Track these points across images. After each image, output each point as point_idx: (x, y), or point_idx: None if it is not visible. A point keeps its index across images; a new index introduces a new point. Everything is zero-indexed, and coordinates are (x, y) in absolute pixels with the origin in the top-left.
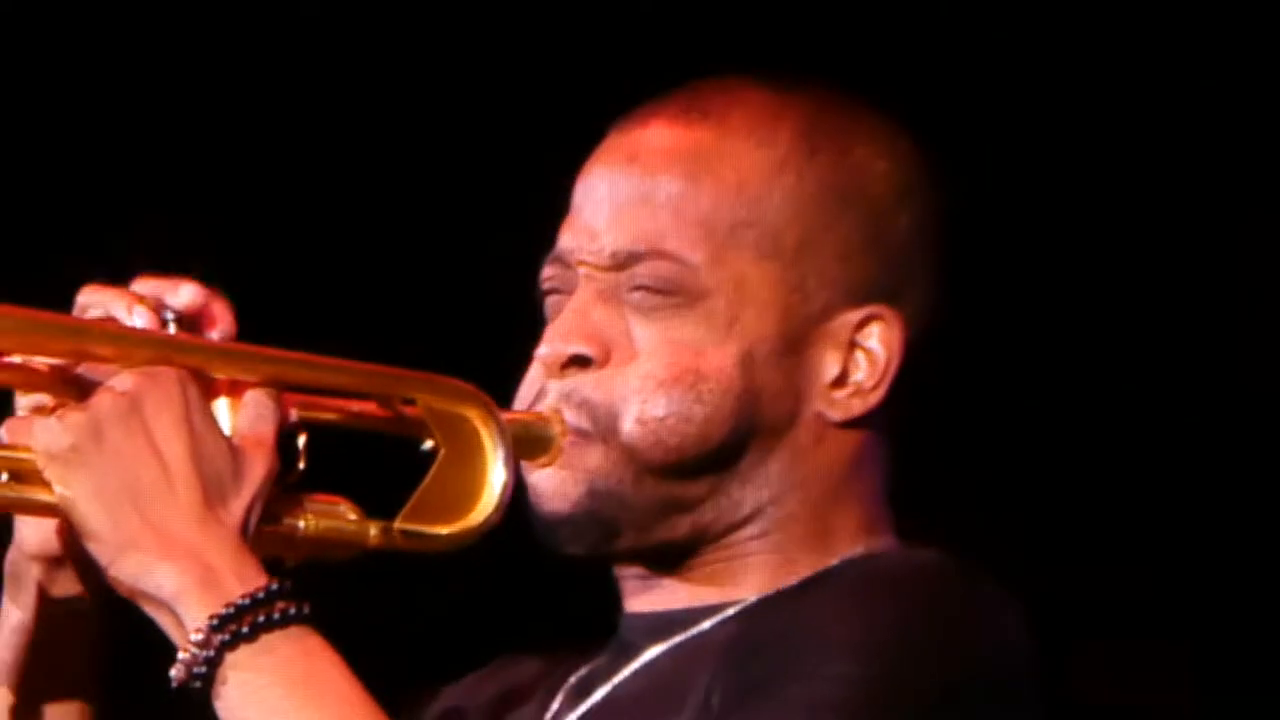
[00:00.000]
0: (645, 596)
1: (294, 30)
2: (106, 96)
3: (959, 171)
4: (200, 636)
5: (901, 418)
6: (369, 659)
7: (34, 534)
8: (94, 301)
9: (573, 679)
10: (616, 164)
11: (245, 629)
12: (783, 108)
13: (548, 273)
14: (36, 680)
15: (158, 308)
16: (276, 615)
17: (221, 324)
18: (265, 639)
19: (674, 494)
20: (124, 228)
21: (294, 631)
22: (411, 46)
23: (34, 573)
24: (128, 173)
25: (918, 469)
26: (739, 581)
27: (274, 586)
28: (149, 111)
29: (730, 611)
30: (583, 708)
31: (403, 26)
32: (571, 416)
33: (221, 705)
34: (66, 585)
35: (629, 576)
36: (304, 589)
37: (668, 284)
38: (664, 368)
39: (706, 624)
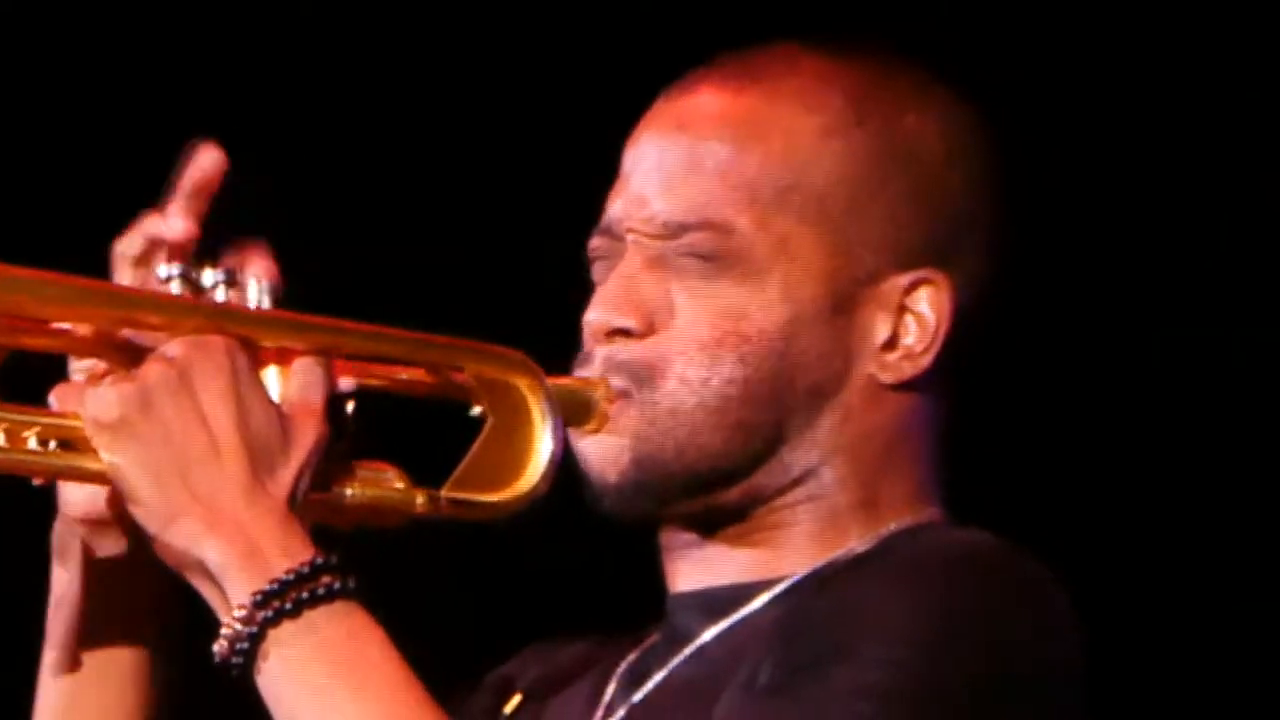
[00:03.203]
0: (692, 572)
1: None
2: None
3: (1015, 137)
4: (244, 612)
5: (953, 383)
6: (414, 635)
7: (77, 497)
8: (129, 243)
9: (624, 665)
10: (665, 131)
11: (289, 605)
12: (833, 73)
13: (596, 242)
14: (89, 647)
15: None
16: (321, 591)
17: (257, 264)
18: (309, 615)
19: (721, 458)
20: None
21: (339, 608)
22: (461, 17)
23: (79, 538)
24: (171, 139)
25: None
26: (787, 552)
27: (319, 561)
28: (195, 75)
29: (779, 589)
30: (638, 695)
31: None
32: (616, 381)
33: (263, 682)
34: (114, 550)
35: (675, 547)
36: (351, 562)
37: (715, 252)
38: (707, 330)
39: (756, 603)
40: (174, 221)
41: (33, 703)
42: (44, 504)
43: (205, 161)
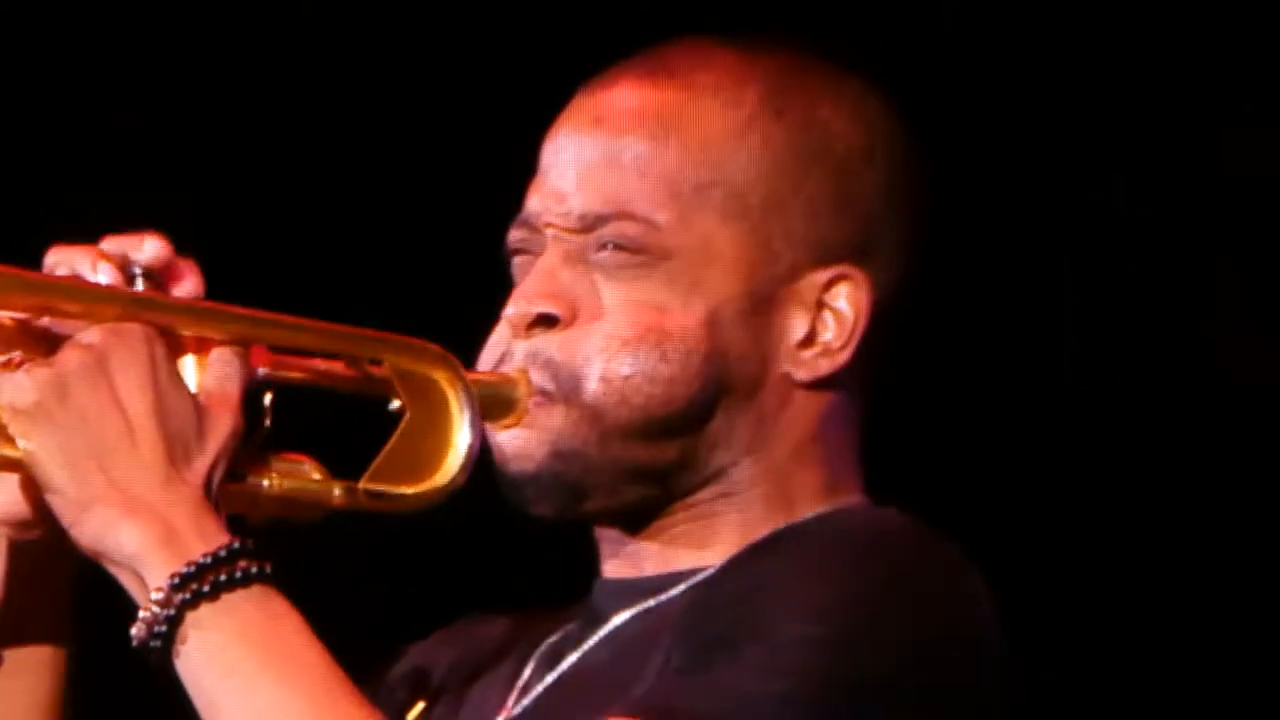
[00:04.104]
0: (619, 562)
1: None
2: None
3: (929, 133)
4: (161, 595)
5: (871, 378)
6: (331, 620)
7: (1, 497)
8: (61, 260)
9: (544, 645)
10: (583, 126)
11: (206, 588)
12: (749, 69)
13: (515, 235)
14: (8, 639)
15: (124, 265)
16: (238, 574)
17: (188, 280)
18: (226, 599)
19: (640, 455)
20: (94, 190)
21: (256, 592)
22: (377, 12)
23: (2, 535)
24: (100, 138)
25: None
26: (708, 545)
27: (236, 545)
28: (124, 74)
29: (697, 579)
30: (553, 675)
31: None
32: (536, 377)
33: (182, 665)
34: (37, 547)
35: (606, 539)
36: (267, 550)
37: (634, 244)
38: (629, 327)
39: (674, 591)
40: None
41: None
42: None
43: (151, 250)
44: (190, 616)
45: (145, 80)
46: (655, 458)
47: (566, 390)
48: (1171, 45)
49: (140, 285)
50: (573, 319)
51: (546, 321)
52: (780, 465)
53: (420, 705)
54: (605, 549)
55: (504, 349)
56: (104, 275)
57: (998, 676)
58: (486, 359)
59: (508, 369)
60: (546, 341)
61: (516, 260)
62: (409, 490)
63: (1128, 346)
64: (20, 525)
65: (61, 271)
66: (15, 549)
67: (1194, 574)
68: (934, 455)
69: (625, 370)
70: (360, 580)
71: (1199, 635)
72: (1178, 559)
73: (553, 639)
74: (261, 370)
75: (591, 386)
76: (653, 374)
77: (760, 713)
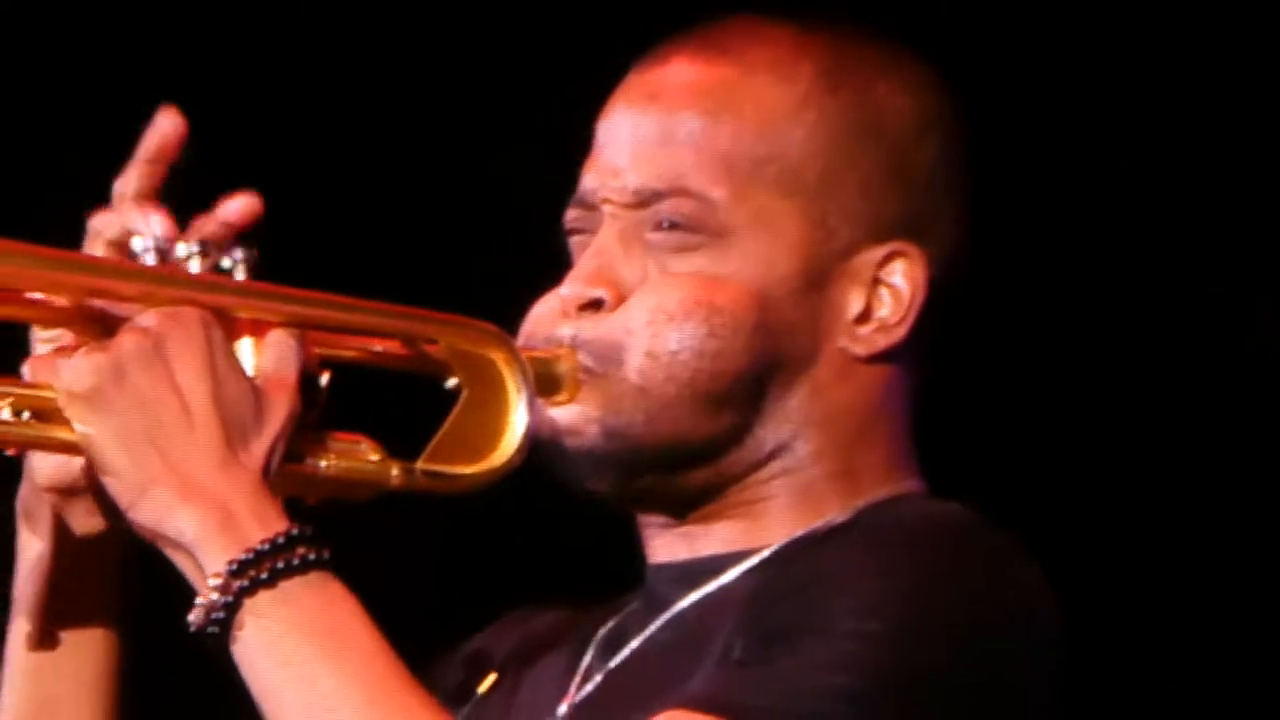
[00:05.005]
0: (670, 546)
1: None
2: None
3: (982, 106)
4: (219, 581)
5: (927, 356)
6: (389, 606)
7: (46, 466)
8: (105, 222)
9: (603, 631)
10: (638, 102)
11: (264, 575)
12: (804, 45)
13: (571, 214)
14: (59, 615)
15: (169, 236)
16: (296, 561)
17: (245, 208)
18: (284, 586)
19: (691, 432)
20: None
21: (314, 578)
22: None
23: (48, 505)
24: (147, 103)
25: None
26: (764, 525)
27: (294, 531)
28: (169, 39)
29: (755, 559)
30: (614, 661)
31: None
32: (583, 355)
33: (239, 651)
34: (84, 518)
35: (653, 525)
36: (325, 534)
37: (689, 221)
38: (675, 302)
39: (732, 573)
40: (154, 221)
41: None
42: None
43: (165, 126)
44: (248, 604)
45: (200, 66)
46: (705, 432)
47: (614, 367)
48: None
49: (196, 266)
50: (620, 301)
51: (595, 305)
52: (844, 443)
53: (492, 677)
54: (654, 534)
55: (553, 326)
56: (156, 226)
57: (1055, 672)
58: (532, 334)
59: (556, 345)
60: (596, 321)
61: (574, 240)
62: (466, 470)
63: (1177, 328)
64: (66, 494)
65: (109, 231)
66: (63, 526)
67: (1252, 555)
68: (983, 439)
69: (672, 345)
70: (415, 566)
71: (1251, 617)
72: (1233, 543)
73: (611, 625)
74: (317, 351)
75: (637, 362)
76: (700, 348)
77: (819, 707)
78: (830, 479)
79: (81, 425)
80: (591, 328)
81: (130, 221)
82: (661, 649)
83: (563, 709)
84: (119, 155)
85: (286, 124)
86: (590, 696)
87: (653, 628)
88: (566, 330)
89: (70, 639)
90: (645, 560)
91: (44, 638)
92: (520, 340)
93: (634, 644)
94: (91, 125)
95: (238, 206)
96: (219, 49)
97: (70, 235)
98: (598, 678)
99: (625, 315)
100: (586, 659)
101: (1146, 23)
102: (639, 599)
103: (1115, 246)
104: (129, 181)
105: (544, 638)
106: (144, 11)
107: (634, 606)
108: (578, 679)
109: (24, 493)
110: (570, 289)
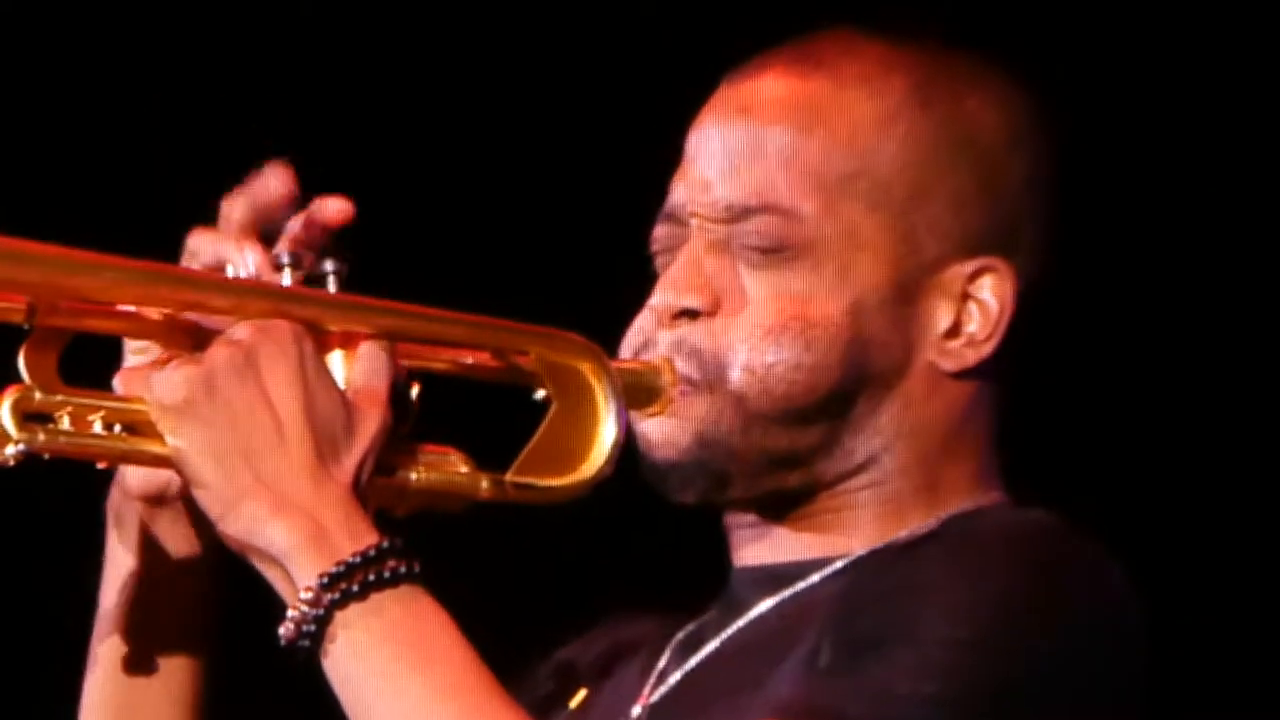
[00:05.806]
0: (755, 549)
1: None
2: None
3: (1073, 124)
4: (310, 595)
5: (1013, 370)
6: (479, 618)
7: (136, 473)
8: (202, 246)
9: (681, 634)
10: (729, 115)
11: (355, 588)
12: (895, 60)
13: (659, 230)
14: (145, 625)
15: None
16: (387, 574)
17: (339, 209)
18: (375, 599)
19: (784, 443)
20: (238, 174)
21: (405, 591)
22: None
23: (137, 514)
24: (237, 120)
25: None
26: (848, 533)
27: (385, 544)
28: (255, 57)
29: (838, 565)
30: (691, 662)
31: None
32: (681, 365)
33: (329, 664)
34: (172, 528)
35: (740, 526)
36: (416, 546)
37: (779, 235)
38: (773, 316)
39: (814, 578)
40: (250, 258)
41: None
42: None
43: (277, 185)
44: (339, 616)
45: (288, 72)
46: (797, 444)
47: (712, 378)
48: None
49: (288, 278)
50: (716, 309)
51: (690, 313)
52: (932, 456)
53: (582, 693)
54: (739, 536)
55: (646, 336)
56: (250, 258)
57: (1140, 676)
58: (629, 346)
59: (650, 357)
60: (691, 331)
61: (660, 256)
62: (556, 482)
63: (1259, 340)
64: (155, 503)
65: (204, 258)
66: (151, 536)
67: None
68: (1073, 449)
69: (769, 359)
70: (504, 578)
71: None
72: None
73: (690, 628)
74: (408, 363)
75: (736, 375)
76: (796, 362)
77: (910, 713)
78: (916, 491)
79: (173, 438)
80: (692, 336)
81: (226, 252)
82: (739, 651)
83: (637, 710)
84: (216, 176)
85: (382, 136)
86: (666, 697)
87: (732, 629)
88: (663, 336)
89: (159, 651)
90: (730, 564)
91: (132, 649)
92: (623, 353)
93: (712, 645)
94: (190, 145)
95: (332, 208)
96: (313, 55)
97: (166, 250)
98: (674, 679)
99: (724, 327)
100: (663, 661)
101: (1235, 37)
102: (718, 602)
103: (1198, 259)
104: (235, 208)
105: (628, 643)
106: (241, 25)
107: (712, 610)
108: (653, 680)
109: (113, 499)
110: (661, 298)
